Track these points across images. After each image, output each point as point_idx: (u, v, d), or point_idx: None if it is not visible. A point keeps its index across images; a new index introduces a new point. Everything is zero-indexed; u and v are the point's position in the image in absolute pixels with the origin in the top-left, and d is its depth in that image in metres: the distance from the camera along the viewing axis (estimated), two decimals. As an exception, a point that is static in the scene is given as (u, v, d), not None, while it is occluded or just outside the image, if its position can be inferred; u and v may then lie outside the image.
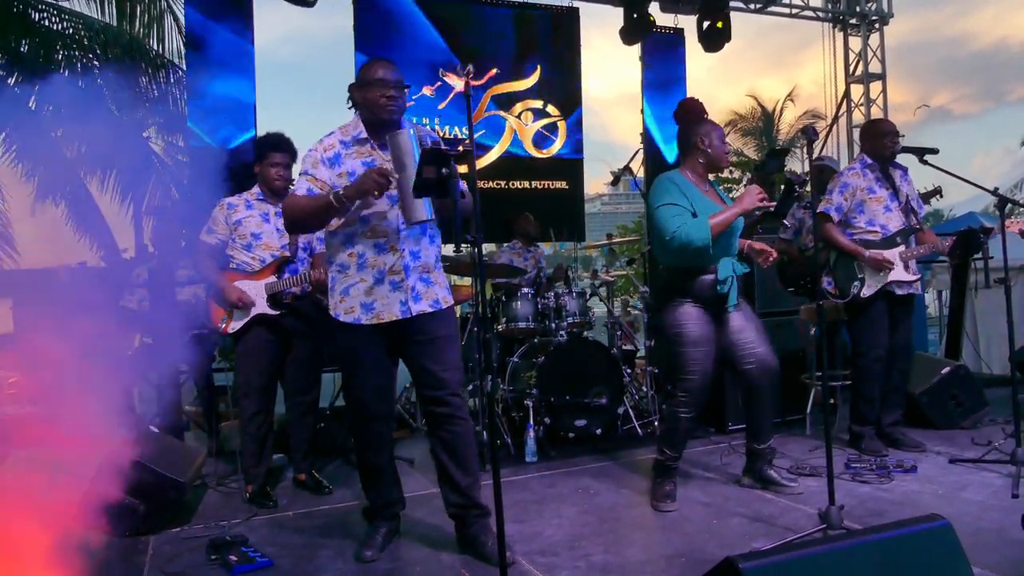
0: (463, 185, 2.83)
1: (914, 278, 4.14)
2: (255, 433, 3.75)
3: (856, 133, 8.02)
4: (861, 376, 4.20)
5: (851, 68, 8.77)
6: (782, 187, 3.43)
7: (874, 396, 4.19)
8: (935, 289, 7.63)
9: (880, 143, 4.20)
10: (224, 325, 3.76)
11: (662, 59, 7.22)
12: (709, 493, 3.63)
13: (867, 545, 1.91)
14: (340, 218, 2.83)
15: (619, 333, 5.53)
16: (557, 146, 6.87)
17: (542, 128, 6.82)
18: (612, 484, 3.85)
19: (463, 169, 2.62)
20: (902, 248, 4.11)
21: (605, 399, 4.75)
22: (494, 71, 6.61)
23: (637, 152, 6.87)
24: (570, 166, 6.94)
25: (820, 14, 8.58)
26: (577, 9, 6.98)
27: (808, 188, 4.20)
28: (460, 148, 2.52)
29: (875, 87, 8.69)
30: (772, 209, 3.41)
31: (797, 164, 18.56)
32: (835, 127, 8.94)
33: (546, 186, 6.83)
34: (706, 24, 7.18)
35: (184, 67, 6.86)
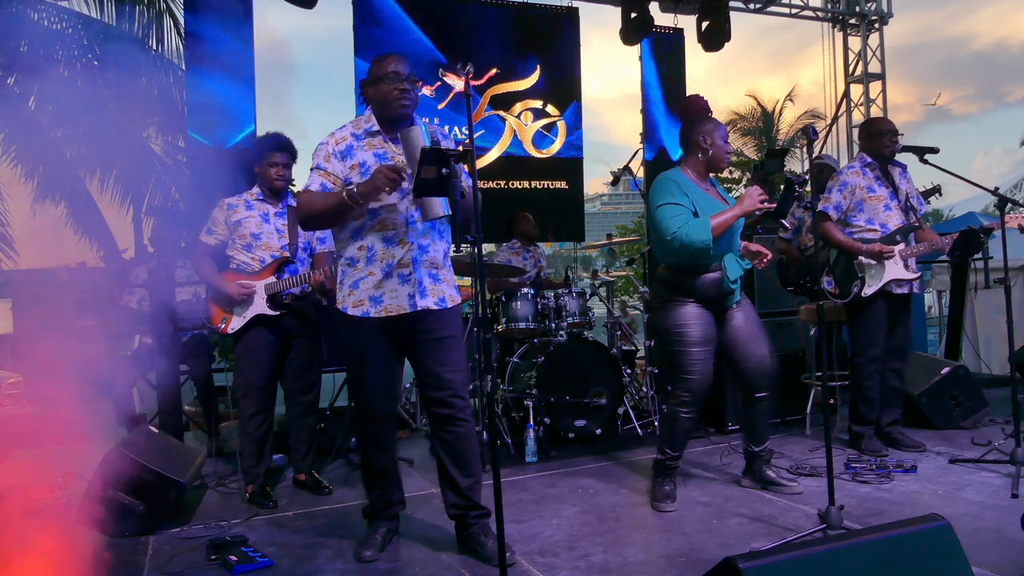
0: (468, 182, 2.83)
1: (913, 276, 4.14)
2: (254, 433, 3.75)
3: (856, 133, 8.02)
4: (859, 376, 4.20)
5: (851, 68, 8.77)
6: (782, 187, 3.43)
7: (873, 396, 4.19)
8: (935, 289, 7.64)
9: (879, 142, 4.20)
10: (224, 325, 3.76)
11: (661, 59, 7.22)
12: (709, 493, 3.63)
13: (867, 545, 1.91)
14: (355, 216, 2.82)
15: (619, 333, 5.53)
16: (557, 146, 6.87)
17: (542, 128, 6.82)
18: (612, 484, 3.85)
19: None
20: (902, 246, 4.10)
21: (605, 399, 4.75)
22: (494, 71, 6.68)
23: (637, 152, 6.87)
24: (570, 166, 6.94)
25: (820, 14, 8.58)
26: (577, 9, 6.98)
27: (808, 187, 4.20)
28: (460, 148, 2.50)
29: (875, 87, 8.70)
30: (772, 209, 3.41)
31: (797, 164, 18.58)
32: (835, 127, 8.95)
33: (546, 186, 6.83)
34: (706, 24, 7.18)
35: (183, 67, 6.86)
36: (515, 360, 4.87)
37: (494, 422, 2.47)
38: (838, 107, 8.85)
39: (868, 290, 4.11)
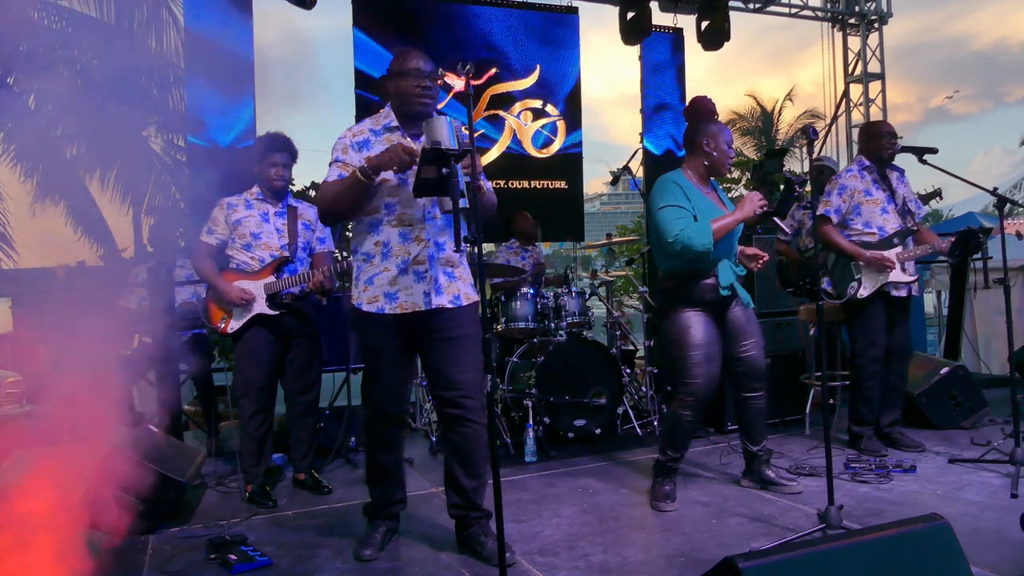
0: (488, 185, 2.83)
1: (911, 279, 4.15)
2: (254, 433, 3.75)
3: (855, 133, 8.03)
4: (859, 377, 4.20)
5: (850, 68, 8.78)
6: (782, 187, 3.43)
7: (872, 396, 4.20)
8: (934, 289, 7.64)
9: (878, 144, 4.20)
10: (223, 325, 3.76)
11: (661, 59, 7.21)
12: (708, 493, 3.63)
13: (866, 545, 1.91)
14: (370, 200, 2.80)
15: (618, 333, 5.53)
16: (556, 145, 6.88)
17: (541, 127, 6.83)
18: (611, 484, 3.85)
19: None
20: (899, 249, 4.11)
21: (604, 399, 4.75)
22: (493, 70, 6.67)
23: (636, 152, 6.87)
24: (569, 165, 6.94)
25: (819, 14, 8.59)
26: (577, 9, 6.99)
27: (808, 188, 4.21)
28: (460, 147, 2.50)
29: (874, 87, 8.71)
30: (772, 211, 3.41)
31: (796, 164, 18.58)
32: (834, 127, 8.95)
33: (545, 186, 6.83)
34: (705, 24, 7.18)
35: (183, 66, 6.86)
36: (515, 360, 4.87)
37: (494, 422, 2.47)
38: (837, 107, 8.86)
39: (864, 291, 4.11)
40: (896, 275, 4.09)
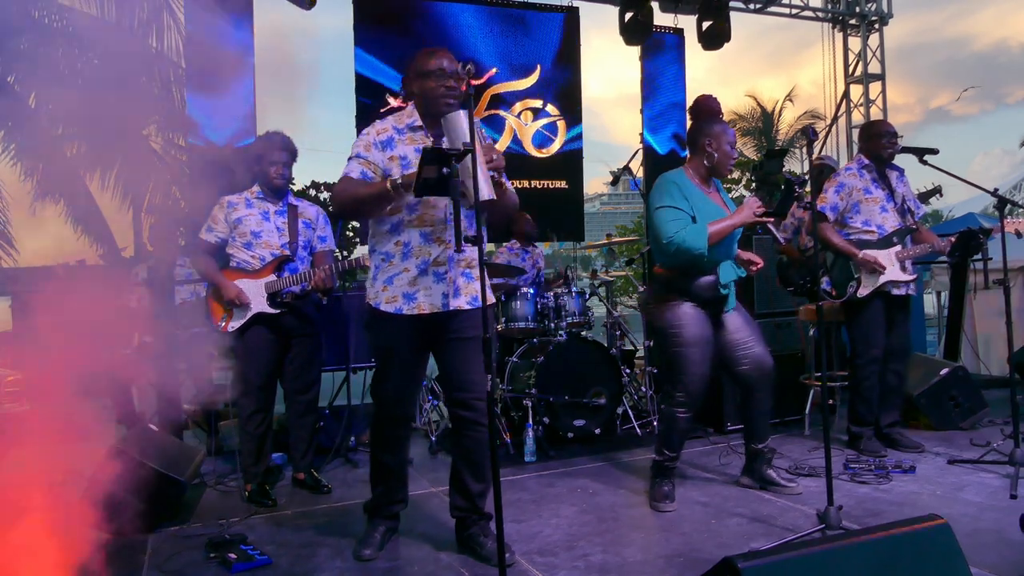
0: (509, 184, 2.82)
1: (910, 278, 4.15)
2: (254, 432, 3.75)
3: (856, 134, 8.04)
4: (858, 377, 4.20)
5: (851, 68, 8.78)
6: (783, 187, 3.44)
7: (871, 397, 4.20)
8: (934, 290, 7.64)
9: (878, 144, 4.20)
10: (223, 324, 3.76)
11: (662, 59, 7.22)
12: (708, 493, 3.63)
13: (865, 545, 1.91)
14: (393, 211, 2.79)
15: (618, 333, 5.53)
16: (556, 145, 6.88)
17: (542, 127, 6.83)
18: (611, 484, 3.85)
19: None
20: (898, 248, 4.11)
21: (604, 399, 4.75)
22: (494, 71, 6.68)
23: (636, 152, 6.87)
24: (569, 166, 6.94)
25: (820, 14, 8.59)
26: (577, 9, 6.99)
27: (808, 188, 4.21)
28: (461, 147, 2.50)
29: (874, 87, 8.71)
30: (772, 211, 3.41)
31: (797, 164, 18.57)
32: (834, 127, 8.95)
33: (545, 186, 6.83)
34: (706, 24, 7.19)
35: (183, 65, 6.86)
36: (514, 360, 4.88)
37: (493, 422, 2.47)
38: (838, 107, 8.86)
39: (863, 291, 4.12)
40: (895, 274, 4.09)
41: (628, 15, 6.89)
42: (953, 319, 6.51)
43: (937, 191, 5.08)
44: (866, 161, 4.24)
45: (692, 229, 3.29)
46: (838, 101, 8.83)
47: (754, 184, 6.51)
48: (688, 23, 7.34)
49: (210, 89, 5.25)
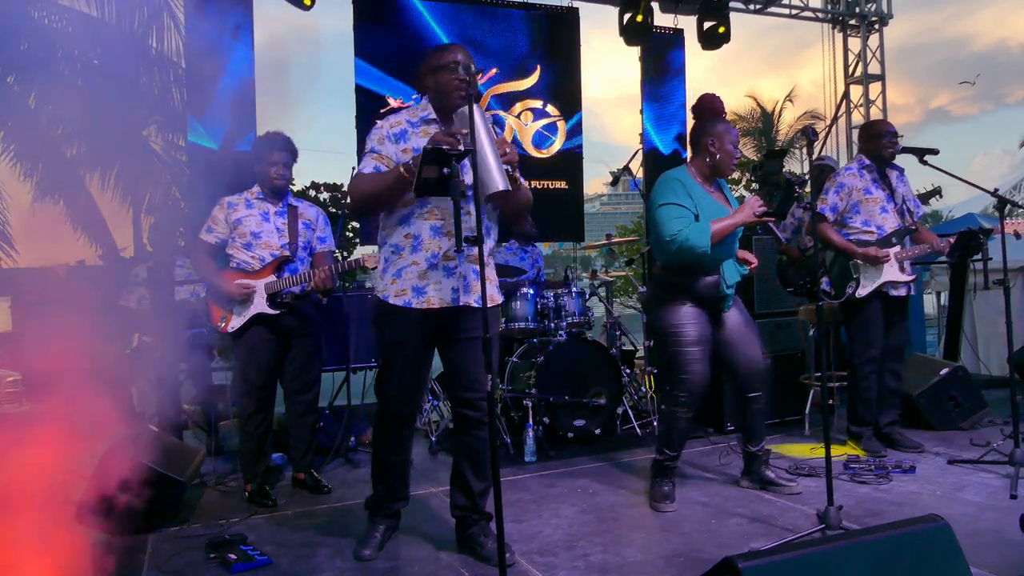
0: (525, 184, 2.81)
1: (909, 279, 4.15)
2: (254, 432, 3.75)
3: (856, 134, 8.04)
4: (857, 377, 4.21)
5: (850, 69, 8.78)
6: (783, 187, 3.44)
7: (870, 397, 4.20)
8: (934, 290, 7.64)
9: (879, 143, 4.20)
10: (223, 324, 3.76)
11: (661, 59, 7.22)
12: (708, 493, 3.63)
13: (865, 545, 1.91)
14: (405, 203, 2.77)
15: (618, 332, 5.53)
16: (556, 146, 6.88)
17: (542, 128, 6.83)
18: (611, 484, 3.85)
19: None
20: (897, 248, 4.11)
21: (604, 399, 4.75)
22: (494, 71, 6.67)
23: (636, 152, 6.87)
24: (569, 166, 6.94)
25: (820, 15, 8.59)
26: (577, 9, 6.99)
27: (808, 188, 4.21)
28: (461, 147, 2.50)
29: (874, 88, 8.71)
30: (772, 211, 3.42)
31: (796, 165, 18.58)
32: (834, 128, 8.95)
33: (545, 186, 6.83)
34: (706, 25, 7.19)
35: (183, 65, 6.86)
36: (514, 360, 4.87)
37: (494, 421, 2.47)
38: (838, 108, 8.86)
39: (862, 291, 4.12)
40: (894, 274, 4.09)
41: (628, 15, 6.90)
42: (953, 319, 6.51)
43: (937, 192, 5.08)
44: (866, 161, 4.24)
45: (696, 227, 3.29)
46: (838, 101, 8.83)
47: (754, 184, 6.51)
48: (688, 23, 7.35)
49: (210, 89, 5.25)
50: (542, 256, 6.32)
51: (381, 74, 6.05)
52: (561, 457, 4.40)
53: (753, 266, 3.57)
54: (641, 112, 7.10)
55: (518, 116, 6.72)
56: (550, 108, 6.84)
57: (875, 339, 4.15)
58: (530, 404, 4.52)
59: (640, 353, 5.73)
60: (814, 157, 4.50)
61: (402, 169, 2.67)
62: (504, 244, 6.22)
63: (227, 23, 5.29)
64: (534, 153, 6.78)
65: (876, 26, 8.55)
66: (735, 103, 21.84)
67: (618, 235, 9.71)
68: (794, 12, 8.28)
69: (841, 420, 4.54)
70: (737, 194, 15.11)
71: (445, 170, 2.44)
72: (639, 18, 6.76)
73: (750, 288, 4.98)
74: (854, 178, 4.19)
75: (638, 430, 4.92)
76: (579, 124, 6.97)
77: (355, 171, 3.01)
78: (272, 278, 3.73)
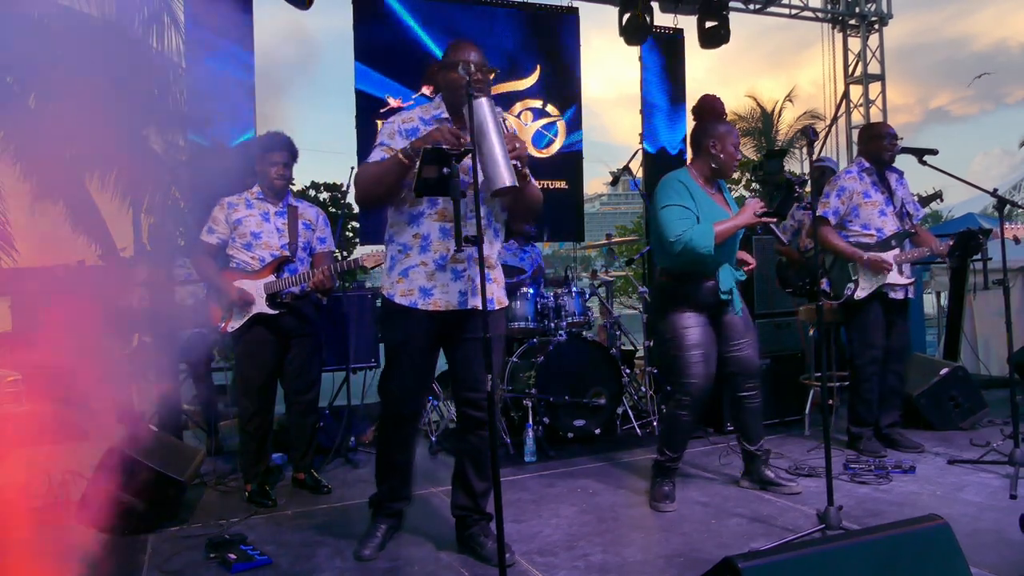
0: (532, 177, 2.81)
1: (908, 281, 4.15)
2: (254, 432, 3.75)
3: (855, 134, 8.04)
4: (857, 378, 4.21)
5: (850, 69, 8.78)
6: (783, 187, 3.44)
7: (871, 397, 4.20)
8: (934, 290, 7.64)
9: (878, 145, 4.20)
10: (223, 324, 3.76)
11: (661, 59, 7.22)
12: (708, 493, 3.63)
13: (865, 545, 1.91)
14: (415, 202, 2.76)
15: (618, 333, 5.53)
16: (556, 146, 6.88)
17: (541, 128, 6.83)
18: (611, 484, 3.85)
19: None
20: (897, 251, 4.11)
21: (604, 399, 4.75)
22: (495, 71, 6.66)
23: (636, 152, 6.87)
24: (569, 166, 6.94)
25: (819, 15, 8.59)
26: (577, 9, 6.99)
27: (808, 189, 4.21)
28: (461, 147, 2.49)
29: (874, 88, 8.70)
30: (772, 212, 3.42)
31: (796, 165, 18.58)
32: (834, 128, 8.95)
33: (545, 186, 6.82)
34: (706, 24, 7.19)
35: (183, 65, 6.85)
36: (514, 360, 4.87)
37: (494, 422, 2.47)
38: (837, 108, 8.85)
39: (861, 293, 4.12)
40: (893, 277, 4.09)
41: (628, 15, 6.89)
42: (953, 319, 6.51)
43: (938, 196, 5.09)
44: (866, 164, 4.24)
45: (699, 229, 3.29)
46: (838, 101, 8.82)
47: (755, 185, 6.52)
48: (688, 23, 7.35)
49: (210, 88, 5.25)
50: (542, 256, 6.33)
51: (380, 76, 6.05)
52: (561, 457, 4.40)
53: (750, 267, 3.58)
54: (641, 112, 7.09)
55: (518, 116, 6.72)
56: (550, 108, 6.84)
57: (875, 340, 4.15)
58: (530, 404, 4.52)
59: (640, 353, 5.73)
60: (814, 157, 4.49)
61: (400, 155, 2.66)
62: (503, 244, 6.22)
63: (227, 23, 5.29)
64: (534, 153, 6.78)
65: (876, 26, 8.55)
66: (735, 103, 21.85)
67: (618, 235, 9.71)
68: (794, 12, 8.28)
69: (841, 420, 4.55)
70: (737, 194, 15.11)
71: (445, 170, 2.43)
72: (639, 15, 6.75)
73: (750, 288, 4.98)
74: (854, 181, 4.19)
75: (638, 430, 4.92)
76: (579, 124, 6.96)
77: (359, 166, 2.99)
78: (272, 278, 3.73)
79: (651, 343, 5.25)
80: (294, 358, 3.83)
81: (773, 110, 21.79)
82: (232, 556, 2.88)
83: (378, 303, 5.15)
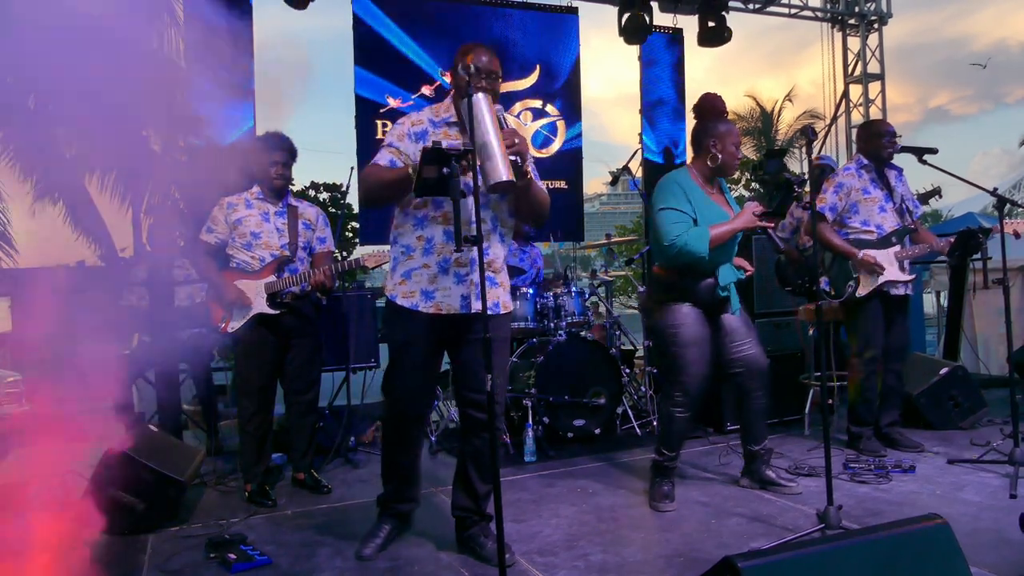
0: (541, 184, 2.81)
1: (908, 278, 4.15)
2: (254, 432, 3.75)
3: (855, 134, 8.04)
4: (858, 377, 4.20)
5: (850, 68, 8.78)
6: (782, 186, 3.44)
7: (871, 397, 4.20)
8: (934, 290, 7.65)
9: (878, 143, 4.20)
10: (224, 324, 3.76)
11: (661, 59, 7.22)
12: (707, 493, 3.63)
13: (865, 545, 1.91)
14: (420, 205, 2.76)
15: (617, 333, 5.53)
16: (556, 145, 6.88)
17: (541, 128, 6.83)
18: (610, 484, 3.85)
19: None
20: (897, 248, 4.11)
21: (604, 399, 4.75)
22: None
23: (636, 152, 6.87)
24: (569, 165, 6.94)
25: (819, 14, 8.59)
26: (576, 9, 6.98)
27: (807, 188, 4.21)
28: (461, 147, 2.49)
29: (874, 87, 8.71)
30: (771, 211, 3.42)
31: (796, 164, 18.57)
32: (834, 127, 8.95)
33: (545, 186, 6.81)
34: (706, 24, 7.19)
35: (183, 65, 6.85)
36: (514, 360, 4.87)
37: (494, 423, 2.47)
38: (837, 107, 8.86)
39: (862, 291, 4.12)
40: (894, 273, 4.09)
41: (627, 15, 6.89)
42: (953, 319, 6.51)
43: (937, 192, 5.09)
44: (865, 161, 4.24)
45: (694, 233, 3.29)
46: (837, 101, 8.83)
47: (754, 184, 6.52)
48: (688, 23, 7.35)
49: (209, 88, 5.24)
50: (541, 256, 6.32)
51: (379, 79, 6.04)
52: (561, 457, 4.40)
53: (749, 272, 3.59)
54: (641, 112, 7.09)
55: (517, 116, 6.72)
56: (549, 108, 6.84)
57: (875, 339, 4.15)
58: (530, 404, 4.52)
59: (640, 353, 5.73)
60: (814, 157, 4.50)
61: (410, 170, 2.66)
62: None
63: (227, 23, 5.29)
64: (533, 153, 6.77)
65: (875, 25, 8.55)
66: (735, 103, 21.83)
67: (618, 235, 9.72)
68: (793, 12, 8.28)
69: (841, 420, 4.55)
70: (737, 194, 15.12)
71: (445, 170, 2.43)
72: (638, 14, 6.75)
73: (750, 288, 4.98)
74: (852, 178, 4.19)
75: (638, 430, 4.93)
76: (579, 124, 6.96)
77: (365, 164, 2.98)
78: (272, 278, 3.73)
79: (650, 343, 5.25)
80: (294, 358, 3.83)
81: (773, 110, 21.78)
82: (232, 556, 2.88)
83: (379, 303, 5.16)
